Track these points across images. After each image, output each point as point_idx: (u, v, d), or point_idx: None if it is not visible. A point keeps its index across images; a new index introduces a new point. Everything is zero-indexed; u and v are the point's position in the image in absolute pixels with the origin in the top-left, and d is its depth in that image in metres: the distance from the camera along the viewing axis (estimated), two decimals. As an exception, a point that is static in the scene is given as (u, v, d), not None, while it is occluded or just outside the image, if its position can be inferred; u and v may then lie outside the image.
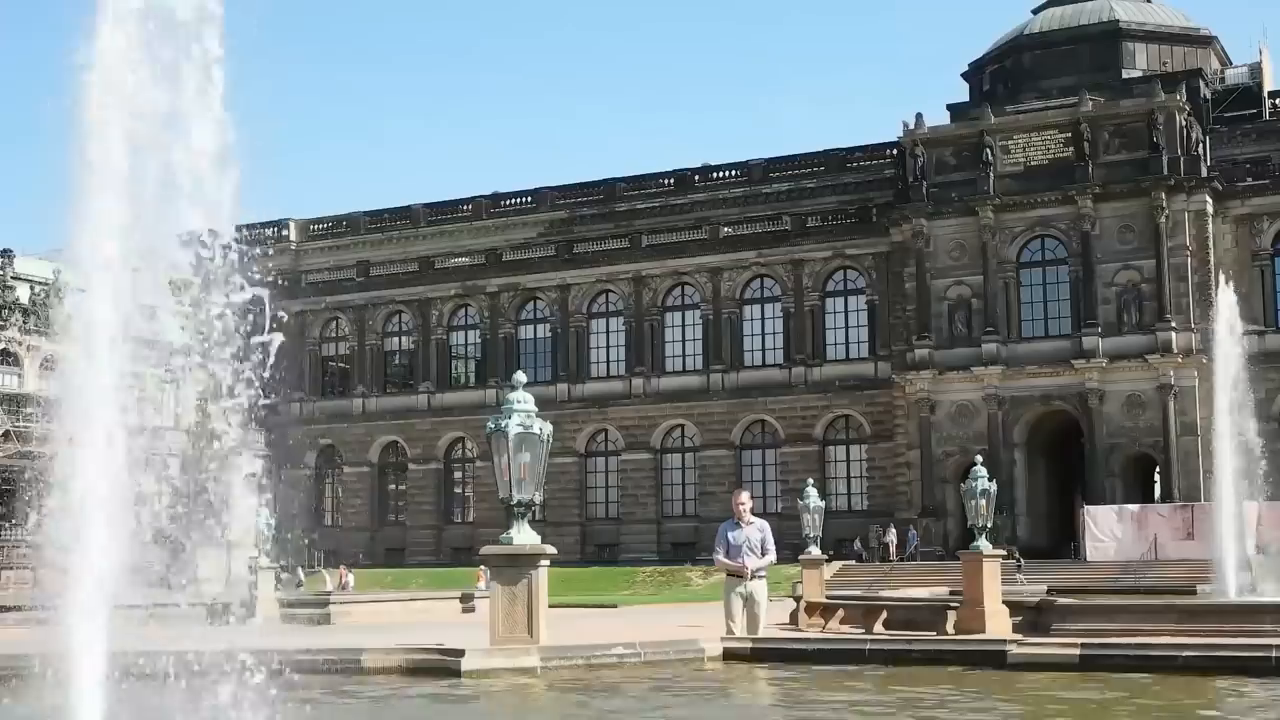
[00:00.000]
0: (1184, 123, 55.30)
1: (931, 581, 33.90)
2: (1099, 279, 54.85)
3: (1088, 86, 57.11)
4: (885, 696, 12.36)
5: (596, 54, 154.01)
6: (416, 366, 70.14)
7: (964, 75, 66.10)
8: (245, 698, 7.86)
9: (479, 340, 69.11)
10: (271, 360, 7.95)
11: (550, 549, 14.25)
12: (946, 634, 19.15)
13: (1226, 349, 27.82)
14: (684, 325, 64.82)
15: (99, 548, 7.90)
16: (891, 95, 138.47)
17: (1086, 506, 50.80)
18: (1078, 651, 13.60)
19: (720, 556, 17.46)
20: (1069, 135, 55.89)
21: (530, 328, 68.04)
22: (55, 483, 8.09)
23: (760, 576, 17.26)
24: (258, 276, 8.17)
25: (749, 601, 17.04)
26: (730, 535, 17.25)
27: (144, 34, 8.09)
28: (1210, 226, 54.87)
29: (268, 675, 7.96)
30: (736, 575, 17.14)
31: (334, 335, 72.88)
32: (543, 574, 13.90)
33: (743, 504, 17.46)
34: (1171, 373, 53.34)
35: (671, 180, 70.37)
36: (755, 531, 17.18)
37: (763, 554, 17.15)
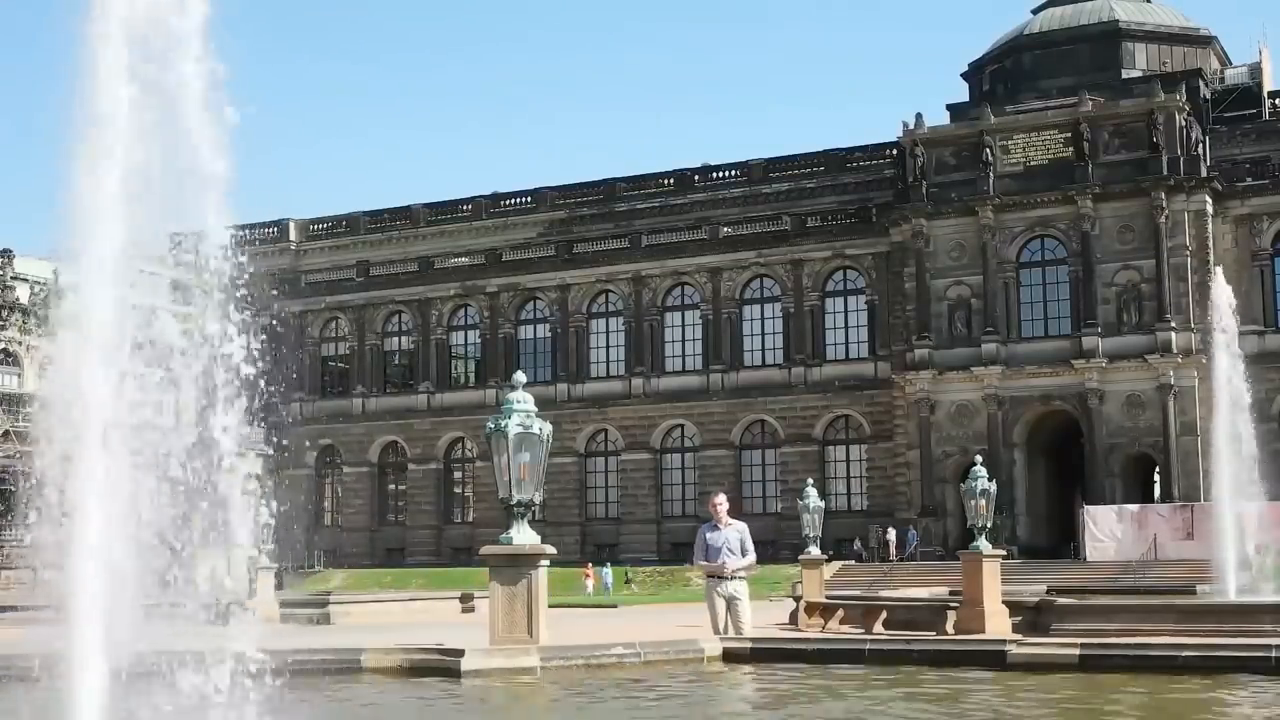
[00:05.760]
0: (1184, 123, 55.31)
1: (931, 581, 33.93)
2: (1099, 279, 54.86)
3: (1087, 86, 57.12)
4: (883, 696, 12.35)
5: (597, 54, 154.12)
6: (416, 366, 70.15)
7: (964, 75, 66.11)
8: (244, 698, 7.86)
9: (479, 340, 69.11)
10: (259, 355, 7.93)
11: (550, 549, 14.23)
12: (946, 634, 19.17)
13: (1226, 349, 27.82)
14: (684, 325, 64.83)
15: (97, 548, 7.90)
16: (891, 95, 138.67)
17: (1086, 506, 50.81)
18: (1077, 652, 13.59)
19: (699, 559, 17.48)
20: (1069, 135, 55.90)
21: (530, 328, 68.04)
22: (54, 483, 8.09)
23: (741, 577, 17.26)
24: (250, 288, 8.16)
25: (731, 602, 17.04)
26: (709, 537, 17.25)
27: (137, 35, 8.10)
28: (1210, 226, 54.87)
29: (267, 675, 7.96)
30: (717, 576, 17.14)
31: (334, 335, 72.88)
32: (543, 574, 13.89)
33: (719, 505, 17.45)
34: (1171, 373, 53.35)
35: (671, 180, 70.36)
36: (734, 533, 17.18)
37: (742, 555, 17.16)
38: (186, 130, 8.04)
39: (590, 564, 55.96)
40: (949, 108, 62.14)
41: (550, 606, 14.39)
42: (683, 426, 64.28)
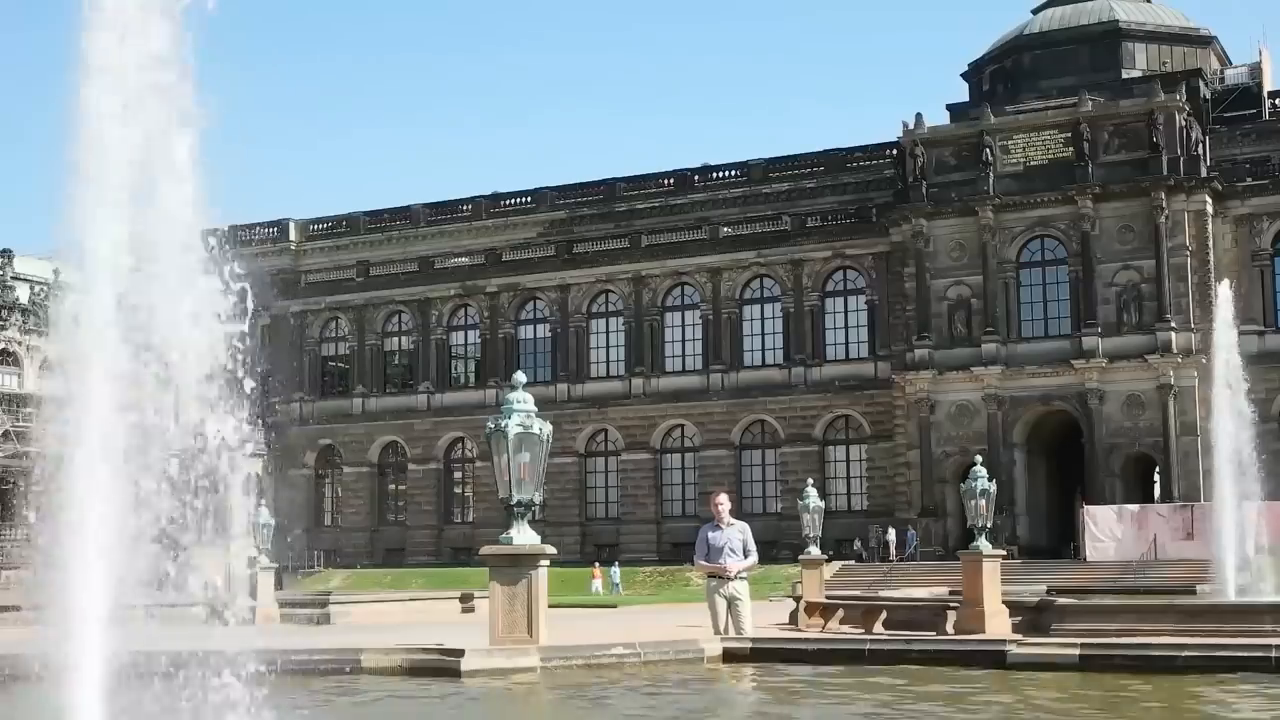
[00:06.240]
0: (1184, 123, 55.28)
1: (931, 581, 33.91)
2: (1099, 279, 54.83)
3: (1088, 86, 57.09)
4: (884, 696, 12.35)
5: (597, 54, 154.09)
6: (416, 366, 70.12)
7: (964, 75, 66.09)
8: (244, 698, 7.86)
9: (479, 340, 69.09)
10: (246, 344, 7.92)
11: (550, 549, 14.23)
12: (946, 634, 19.15)
13: (1226, 349, 27.83)
14: (684, 325, 64.80)
15: (97, 548, 7.89)
16: (891, 95, 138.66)
17: (1086, 506, 50.79)
18: (1077, 652, 13.60)
19: (700, 559, 17.44)
20: (1069, 135, 55.85)
21: (530, 328, 68.02)
22: (53, 482, 8.09)
23: (742, 578, 17.24)
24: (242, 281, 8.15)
25: (732, 603, 17.02)
26: (710, 537, 17.19)
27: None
28: (1210, 226, 54.84)
29: (266, 675, 7.96)
30: (719, 576, 17.11)
31: (334, 335, 72.85)
32: (543, 574, 13.89)
33: (721, 505, 17.39)
34: (1171, 373, 53.32)
35: (671, 180, 70.36)
36: (736, 533, 17.12)
37: (744, 555, 17.12)
38: (182, 131, 8.03)
39: (598, 564, 56.17)
40: (949, 108, 62.13)
41: (550, 606, 14.39)
42: (683, 426, 64.26)
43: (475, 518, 65.99)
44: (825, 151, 67.35)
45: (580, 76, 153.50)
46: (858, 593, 29.66)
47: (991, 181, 56.38)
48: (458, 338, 70.18)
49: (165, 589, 8.10)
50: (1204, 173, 55.11)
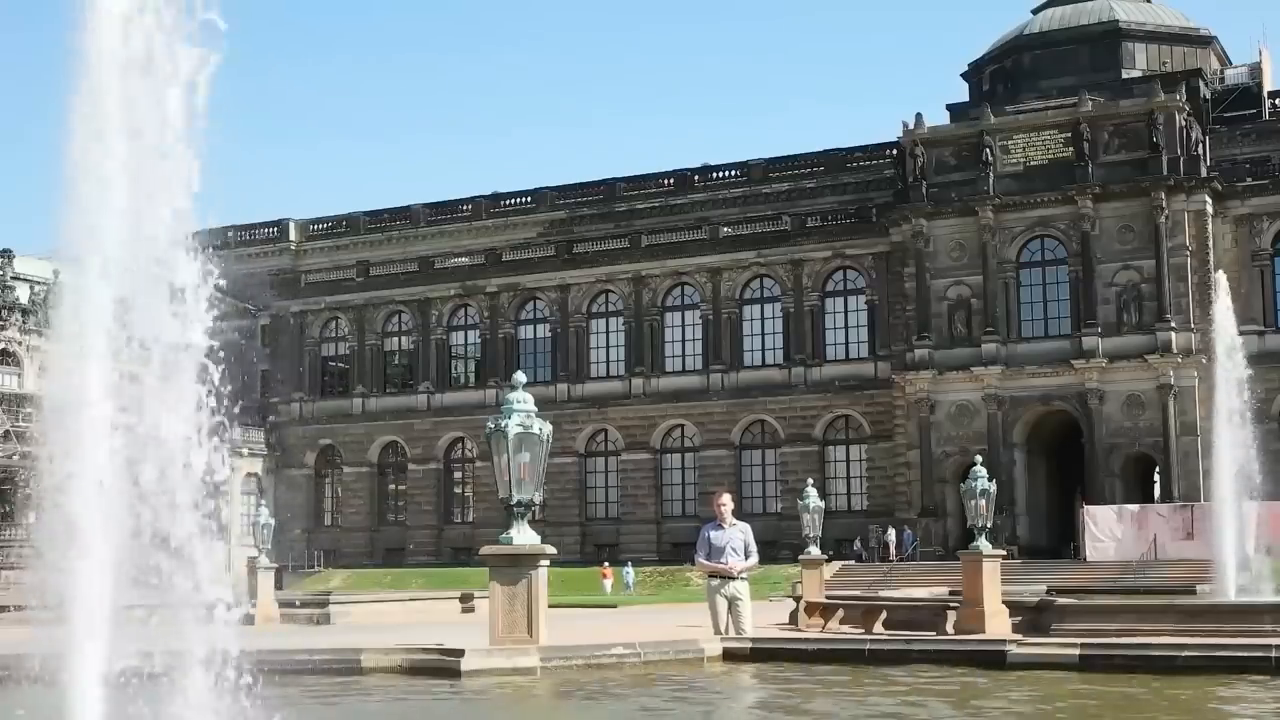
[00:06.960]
0: (1184, 123, 55.27)
1: (931, 581, 33.90)
2: (1099, 279, 54.82)
3: (1088, 86, 57.10)
4: (885, 696, 12.35)
5: (597, 54, 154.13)
6: (416, 366, 70.12)
7: (964, 75, 66.11)
8: (243, 698, 7.85)
9: (479, 340, 69.07)
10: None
11: (550, 549, 14.23)
12: (946, 634, 19.14)
13: (1226, 349, 27.82)
14: (684, 325, 64.79)
15: (97, 548, 7.89)
16: (891, 95, 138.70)
17: (1086, 506, 50.79)
18: (1077, 652, 13.60)
19: (701, 559, 17.42)
20: (1069, 135, 55.85)
21: (530, 328, 68.01)
22: (53, 483, 8.08)
23: (744, 578, 17.24)
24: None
25: (733, 603, 17.03)
26: (712, 536, 17.19)
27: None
28: (1210, 226, 54.83)
29: (266, 675, 7.95)
30: (722, 576, 17.10)
31: (334, 335, 72.83)
32: (543, 574, 13.89)
33: (724, 505, 17.38)
34: (1171, 373, 53.31)
35: (671, 180, 70.39)
36: (737, 533, 17.13)
37: (746, 555, 17.11)
38: (179, 131, 8.03)
39: (607, 563, 56.21)
40: (949, 108, 62.14)
41: (550, 606, 14.39)
42: (683, 426, 64.25)
43: (475, 518, 65.98)
44: (825, 151, 67.39)
45: (580, 76, 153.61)
46: (858, 593, 29.63)
47: (991, 181, 56.37)
48: (458, 338, 70.16)
49: (163, 589, 8.10)
50: (1204, 173, 55.11)
